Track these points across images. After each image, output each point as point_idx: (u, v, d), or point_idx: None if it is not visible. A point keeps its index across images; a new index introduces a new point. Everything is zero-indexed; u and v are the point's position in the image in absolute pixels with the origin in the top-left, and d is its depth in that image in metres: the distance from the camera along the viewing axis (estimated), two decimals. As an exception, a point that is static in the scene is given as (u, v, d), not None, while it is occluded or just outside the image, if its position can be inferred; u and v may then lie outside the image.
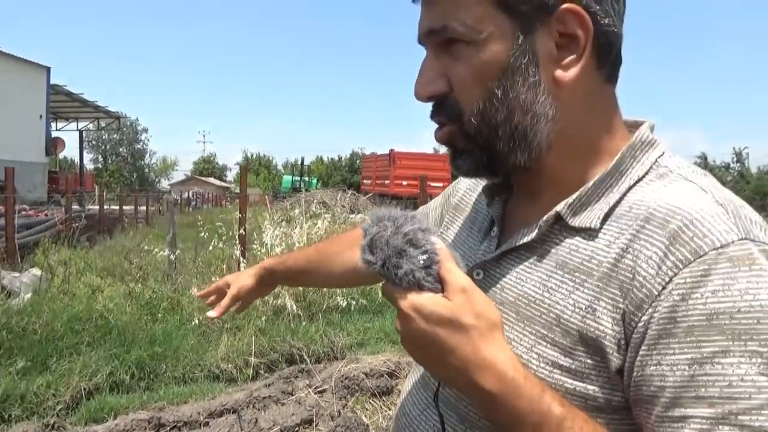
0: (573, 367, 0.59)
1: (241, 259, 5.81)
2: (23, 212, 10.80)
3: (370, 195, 22.35)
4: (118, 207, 17.76)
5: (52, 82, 30.66)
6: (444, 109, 0.65)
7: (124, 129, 51.72)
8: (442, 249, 0.58)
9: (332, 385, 4.10)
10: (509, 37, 0.60)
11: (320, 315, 5.51)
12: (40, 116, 29.50)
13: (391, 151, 26.67)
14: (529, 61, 0.60)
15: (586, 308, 0.58)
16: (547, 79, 0.61)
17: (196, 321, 4.89)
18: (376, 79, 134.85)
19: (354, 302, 5.75)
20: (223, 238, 6.03)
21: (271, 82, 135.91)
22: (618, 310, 0.56)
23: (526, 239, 0.65)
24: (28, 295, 4.88)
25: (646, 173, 0.63)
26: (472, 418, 0.66)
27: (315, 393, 4.04)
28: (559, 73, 0.61)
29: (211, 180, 59.15)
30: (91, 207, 15.94)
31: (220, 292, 1.13)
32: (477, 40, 0.60)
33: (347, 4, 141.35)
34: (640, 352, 0.55)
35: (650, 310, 0.54)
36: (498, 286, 0.67)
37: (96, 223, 11.23)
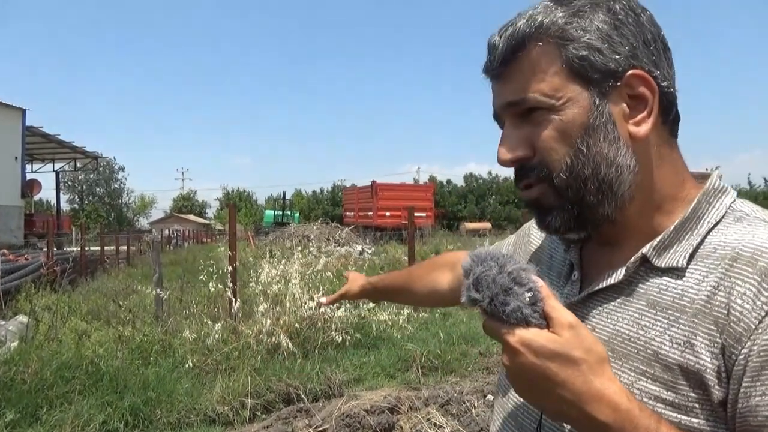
0: (676, 401, 0.61)
1: (234, 298, 5.72)
2: (2, 257, 10.54)
3: (352, 227, 22.37)
4: (97, 248, 17.44)
5: (27, 123, 30.34)
6: (531, 172, 0.71)
7: (101, 169, 51.20)
8: (544, 287, 0.61)
9: (333, 424, 4.01)
10: (586, 100, 0.67)
11: (315, 351, 5.43)
12: (16, 158, 29.09)
13: (373, 182, 26.81)
14: (606, 120, 0.67)
15: (684, 343, 0.61)
16: (623, 134, 0.68)
17: (190, 363, 4.78)
18: (354, 112, 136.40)
19: (349, 337, 5.69)
20: (214, 276, 5.94)
21: (247, 118, 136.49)
22: (716, 344, 0.59)
23: (613, 280, 0.70)
24: (15, 344, 4.73)
25: (723, 217, 0.68)
26: None
27: (316, 433, 3.96)
28: (633, 129, 0.68)
29: (191, 217, 58.54)
30: (70, 249, 15.63)
31: (345, 296, 1.40)
32: (556, 106, 0.67)
33: (320, 36, 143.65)
34: (743, 384, 0.57)
35: (749, 343, 0.57)
36: (588, 326, 0.69)
37: (78, 265, 10.98)
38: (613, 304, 0.69)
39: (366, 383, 4.97)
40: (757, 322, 0.57)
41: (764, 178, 39.96)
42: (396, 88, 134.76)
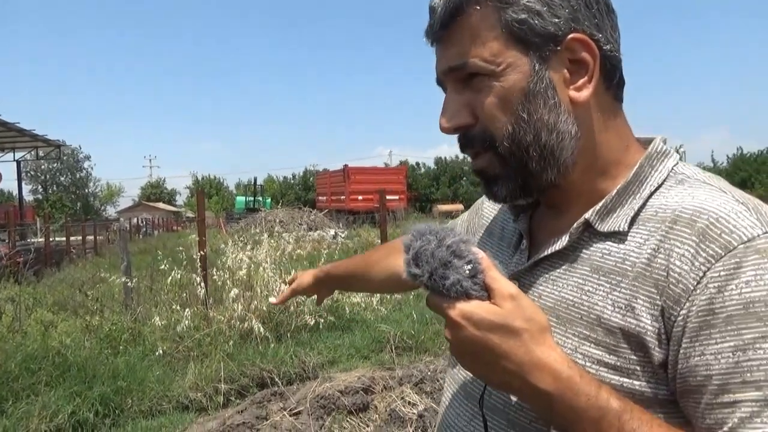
0: (618, 364, 0.61)
1: (202, 284, 5.65)
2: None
3: (326, 211, 22.26)
4: (63, 238, 17.01)
5: (-15, 111, 29.19)
6: (474, 140, 0.70)
7: (65, 157, 49.76)
8: (485, 258, 0.61)
9: (307, 406, 4.02)
10: (526, 66, 0.66)
11: (289, 335, 5.41)
12: (-27, 148, 28.11)
13: (345, 166, 26.70)
14: (547, 86, 0.66)
15: (625, 307, 0.61)
16: (564, 100, 0.67)
17: (161, 351, 4.71)
18: (324, 96, 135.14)
19: (322, 320, 5.68)
20: (184, 263, 5.85)
21: (216, 103, 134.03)
22: (656, 307, 0.59)
23: (557, 247, 0.70)
24: (-24, 337, 4.58)
25: (665, 180, 0.68)
26: (522, 423, 0.69)
27: (290, 415, 3.96)
28: (573, 94, 0.67)
29: (160, 205, 57.47)
30: (34, 239, 15.21)
31: (294, 294, 1.26)
32: (496, 72, 0.66)
33: (289, 20, 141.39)
34: (683, 345, 0.57)
35: (688, 303, 0.57)
36: (535, 294, 0.70)
37: (42, 256, 10.69)
38: (558, 270, 0.69)
39: (340, 365, 4.99)
40: (695, 283, 0.57)
41: (727, 156, 41.16)
42: (365, 72, 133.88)
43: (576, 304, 0.66)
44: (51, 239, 15.00)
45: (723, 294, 0.56)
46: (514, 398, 0.67)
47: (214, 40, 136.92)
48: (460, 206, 33.34)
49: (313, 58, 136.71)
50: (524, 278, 0.72)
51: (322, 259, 7.31)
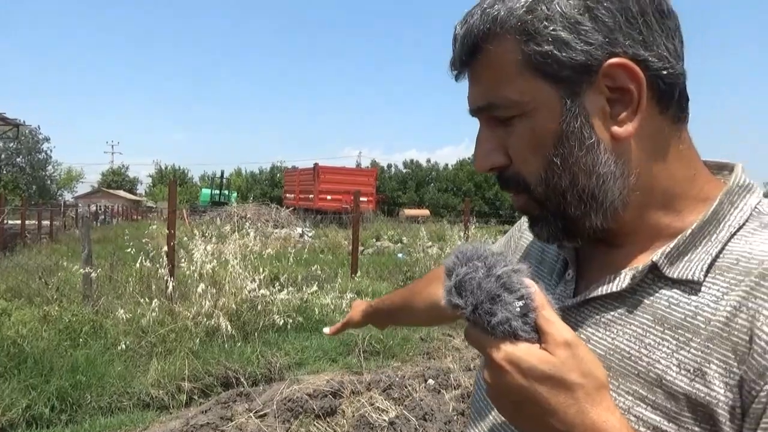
0: None
1: (169, 277, 5.50)
2: None
3: (292, 209, 22.06)
4: (16, 221, 16.35)
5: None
6: (509, 181, 0.64)
7: (23, 138, 47.91)
8: (538, 294, 0.53)
9: (274, 409, 3.94)
10: (556, 103, 0.59)
11: (256, 335, 5.31)
12: (-76, 122, 26.81)
13: (316, 165, 26.51)
14: (582, 124, 0.58)
15: (694, 370, 0.53)
16: (604, 137, 0.59)
17: (123, 345, 4.56)
18: (294, 93, 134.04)
19: (291, 320, 5.60)
20: (151, 254, 5.68)
21: (182, 92, 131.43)
22: (733, 376, 0.51)
23: (614, 288, 0.61)
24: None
25: (746, 221, 0.59)
26: None
27: (256, 417, 3.88)
28: (615, 129, 0.59)
29: (121, 193, 55.89)
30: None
31: (350, 324, 1.25)
32: (525, 112, 0.60)
33: (261, 14, 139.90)
34: (762, 425, 0.50)
35: None
36: (582, 336, 0.62)
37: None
38: (613, 314, 0.61)
39: (308, 367, 4.93)
40: None
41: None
42: (338, 72, 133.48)
43: (633, 358, 0.57)
44: (4, 222, 14.40)
45: None
46: None
47: (184, 26, 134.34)
48: (427, 211, 33.52)
49: (285, 54, 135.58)
50: (570, 316, 0.64)
51: (290, 258, 7.20)
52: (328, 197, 25.53)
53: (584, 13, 0.56)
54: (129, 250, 5.70)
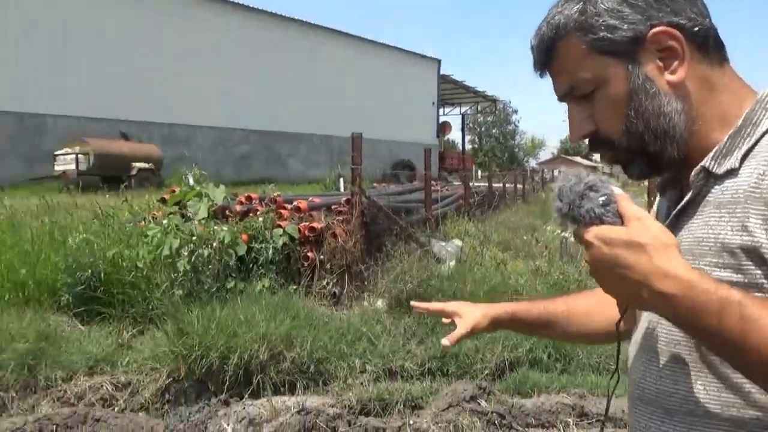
0: (746, 281, 0.69)
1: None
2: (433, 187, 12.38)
3: None
4: (498, 185, 19.04)
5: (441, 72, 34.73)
6: (599, 143, 0.83)
7: (498, 111, 55.13)
8: (621, 193, 0.69)
9: None
10: (622, 71, 0.78)
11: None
12: (433, 103, 33.96)
13: None
14: (644, 80, 0.77)
15: (741, 228, 0.70)
16: (663, 85, 0.78)
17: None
18: None
19: None
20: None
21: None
22: (767, 221, 0.68)
23: (688, 198, 0.79)
24: (452, 263, 5.42)
25: None
26: (674, 407, 0.77)
27: None
28: (670, 77, 0.77)
29: (578, 159, 58.07)
30: (476, 184, 17.45)
31: (441, 314, 1.17)
32: (600, 84, 0.79)
33: None
34: None
35: None
36: (679, 239, 0.74)
37: (485, 198, 12.14)
38: (692, 217, 0.78)
39: None
40: None
41: None
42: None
43: (705, 239, 0.74)
44: (484, 185, 16.91)
45: None
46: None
47: None
48: None
49: None
50: (671, 229, 0.74)
51: None
52: None
53: (622, 3, 0.77)
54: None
